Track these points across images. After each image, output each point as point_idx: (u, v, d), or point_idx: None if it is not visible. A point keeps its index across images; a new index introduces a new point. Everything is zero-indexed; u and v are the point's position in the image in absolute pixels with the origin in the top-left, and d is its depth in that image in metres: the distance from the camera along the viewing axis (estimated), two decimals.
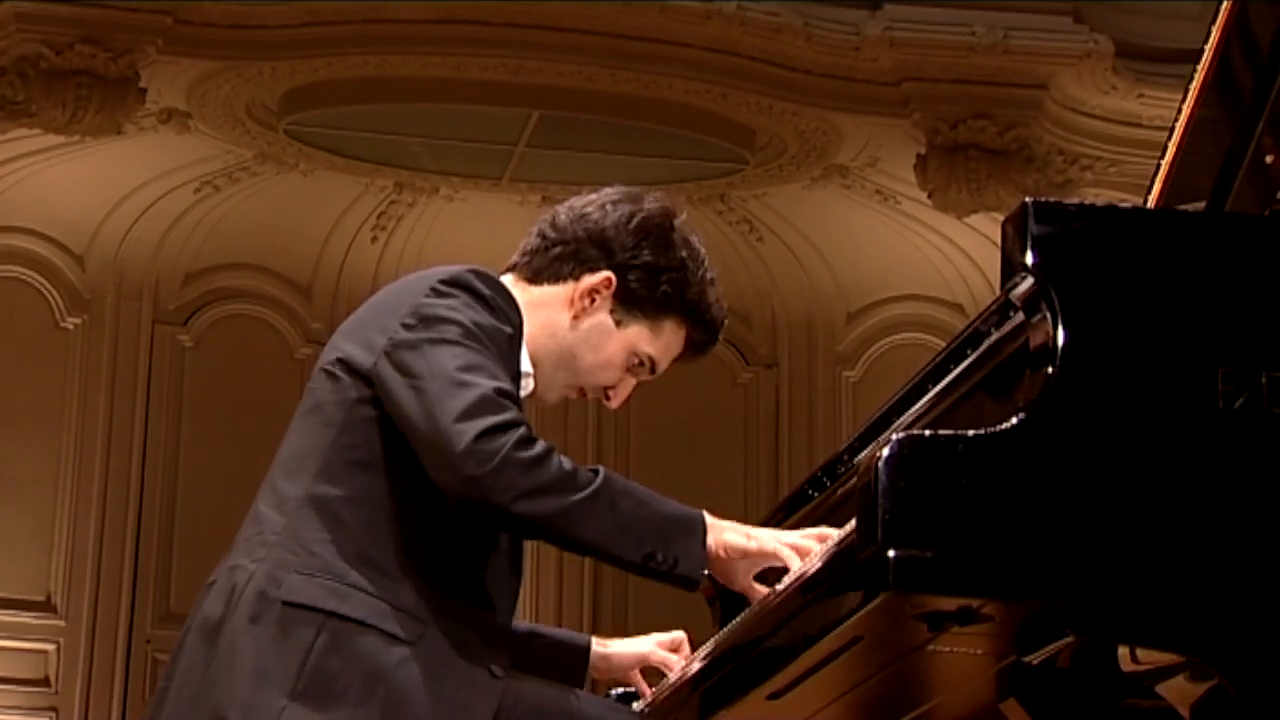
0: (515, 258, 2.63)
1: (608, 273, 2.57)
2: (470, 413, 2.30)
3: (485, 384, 2.34)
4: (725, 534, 2.43)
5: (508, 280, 2.59)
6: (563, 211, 2.62)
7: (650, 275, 2.57)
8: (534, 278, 2.59)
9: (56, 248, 8.95)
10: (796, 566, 2.37)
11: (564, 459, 2.34)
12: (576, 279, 2.57)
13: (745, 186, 8.86)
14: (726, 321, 2.64)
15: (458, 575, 2.40)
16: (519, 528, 2.37)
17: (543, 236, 2.61)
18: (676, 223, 2.60)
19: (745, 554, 2.43)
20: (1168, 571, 2.03)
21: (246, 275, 9.22)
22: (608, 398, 2.62)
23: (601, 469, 2.37)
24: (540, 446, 2.32)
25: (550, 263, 2.58)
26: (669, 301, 2.57)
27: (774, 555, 2.42)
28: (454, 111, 8.36)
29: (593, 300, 2.57)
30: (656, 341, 2.59)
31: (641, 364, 2.60)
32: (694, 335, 2.61)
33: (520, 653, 2.51)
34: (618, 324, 2.57)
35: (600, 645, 2.78)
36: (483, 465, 2.28)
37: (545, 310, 2.57)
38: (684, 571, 2.37)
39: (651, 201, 2.61)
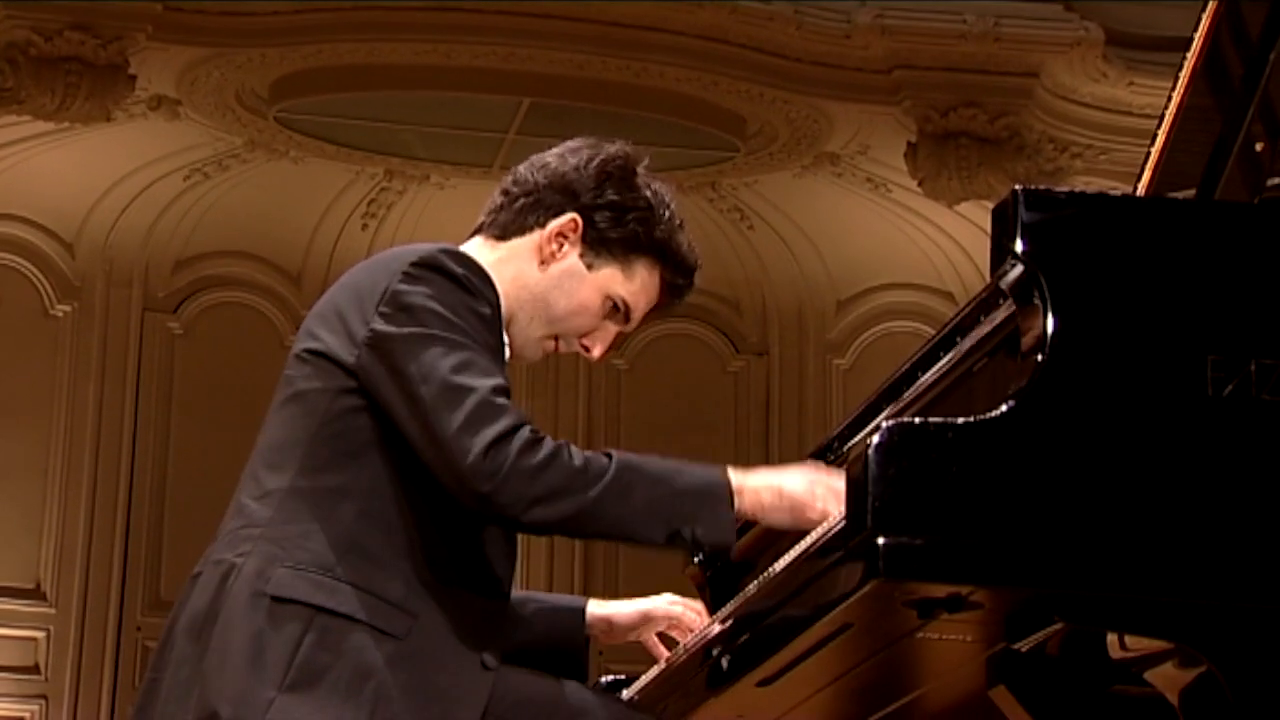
0: (481, 218, 2.60)
1: (573, 214, 2.54)
2: (471, 424, 2.29)
3: (480, 385, 2.31)
4: (762, 495, 2.38)
5: (476, 242, 2.57)
6: (523, 166, 2.60)
7: (616, 214, 2.54)
8: (501, 234, 2.57)
9: (46, 235, 8.93)
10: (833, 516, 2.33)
11: (575, 452, 2.32)
12: (543, 227, 2.54)
13: (736, 174, 8.86)
14: (701, 264, 2.60)
15: (449, 561, 2.39)
16: (537, 532, 2.36)
17: (505, 193, 2.59)
18: (639, 168, 2.58)
19: (780, 512, 2.39)
20: (1157, 558, 2.03)
21: (236, 263, 9.21)
22: (586, 349, 2.58)
23: (614, 454, 2.35)
24: (546, 448, 2.30)
25: (515, 216, 2.56)
26: (638, 240, 2.54)
27: (809, 504, 2.37)
28: (445, 99, 8.34)
29: (561, 245, 2.54)
30: (630, 284, 2.55)
31: (617, 308, 2.56)
32: (667, 276, 2.57)
33: (516, 621, 2.50)
34: (588, 267, 2.54)
35: (599, 607, 2.75)
36: (490, 480, 2.27)
37: (515, 263, 2.54)
38: (712, 541, 2.36)
39: (613, 147, 2.58)
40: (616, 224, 2.53)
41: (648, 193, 2.56)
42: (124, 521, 8.81)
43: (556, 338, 2.57)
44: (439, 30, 7.88)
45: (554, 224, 2.53)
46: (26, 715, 8.54)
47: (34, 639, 8.61)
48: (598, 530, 2.34)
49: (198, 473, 8.64)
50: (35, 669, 8.59)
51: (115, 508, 8.79)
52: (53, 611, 8.64)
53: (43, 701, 8.57)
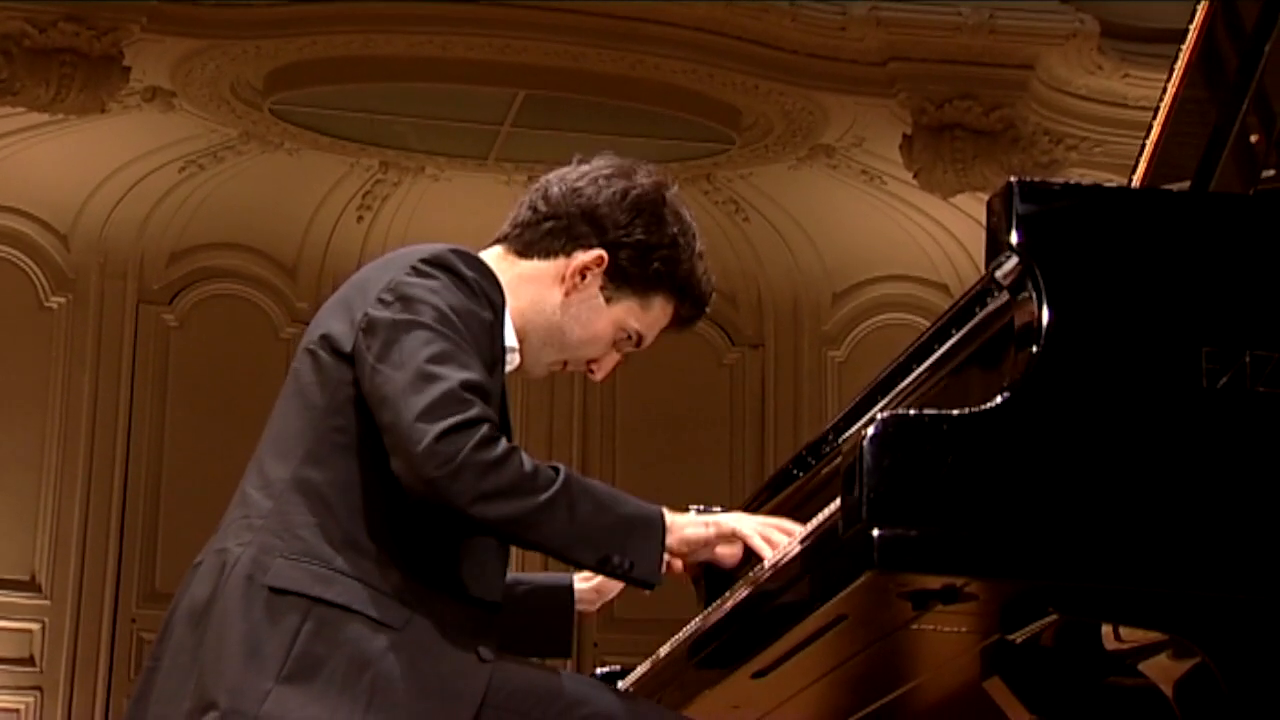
0: (506, 228, 2.61)
1: (600, 250, 2.55)
2: (432, 411, 2.29)
3: (452, 376, 2.31)
4: (685, 530, 2.44)
5: (496, 252, 2.58)
6: (555, 183, 2.60)
7: (642, 253, 2.56)
8: (524, 251, 2.58)
9: (41, 226, 8.92)
10: (758, 545, 2.41)
11: (526, 459, 2.33)
12: (568, 255, 2.56)
13: (731, 166, 8.86)
14: (714, 294, 2.64)
15: (446, 555, 2.39)
16: (476, 529, 2.36)
17: (534, 210, 2.59)
18: (668, 196, 2.60)
19: (707, 542, 2.45)
20: (1151, 550, 2.03)
21: (231, 255, 9.20)
22: (591, 371, 2.62)
23: (563, 469, 2.36)
24: (501, 447, 2.30)
25: (541, 237, 2.57)
26: (660, 279, 2.57)
27: (733, 534, 2.44)
28: (440, 91, 8.34)
29: (584, 277, 2.56)
30: (645, 317, 2.59)
31: (629, 338, 2.61)
32: (683, 311, 2.62)
33: (505, 603, 2.50)
34: (607, 300, 2.57)
35: (585, 579, 2.76)
36: (441, 467, 2.27)
37: (535, 286, 2.56)
38: (640, 575, 2.38)
39: (644, 176, 2.60)
40: (640, 262, 2.56)
41: (674, 229, 2.58)
42: (119, 513, 8.80)
43: (564, 361, 2.61)
44: (434, 22, 7.87)
45: (580, 257, 2.56)
46: (21, 707, 8.54)
47: (29, 631, 8.61)
48: (535, 538, 2.34)
49: (193, 464, 8.64)
50: (30, 661, 8.59)
51: (110, 499, 8.79)
52: (48, 603, 8.64)
53: (38, 693, 8.57)
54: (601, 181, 2.58)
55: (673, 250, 2.57)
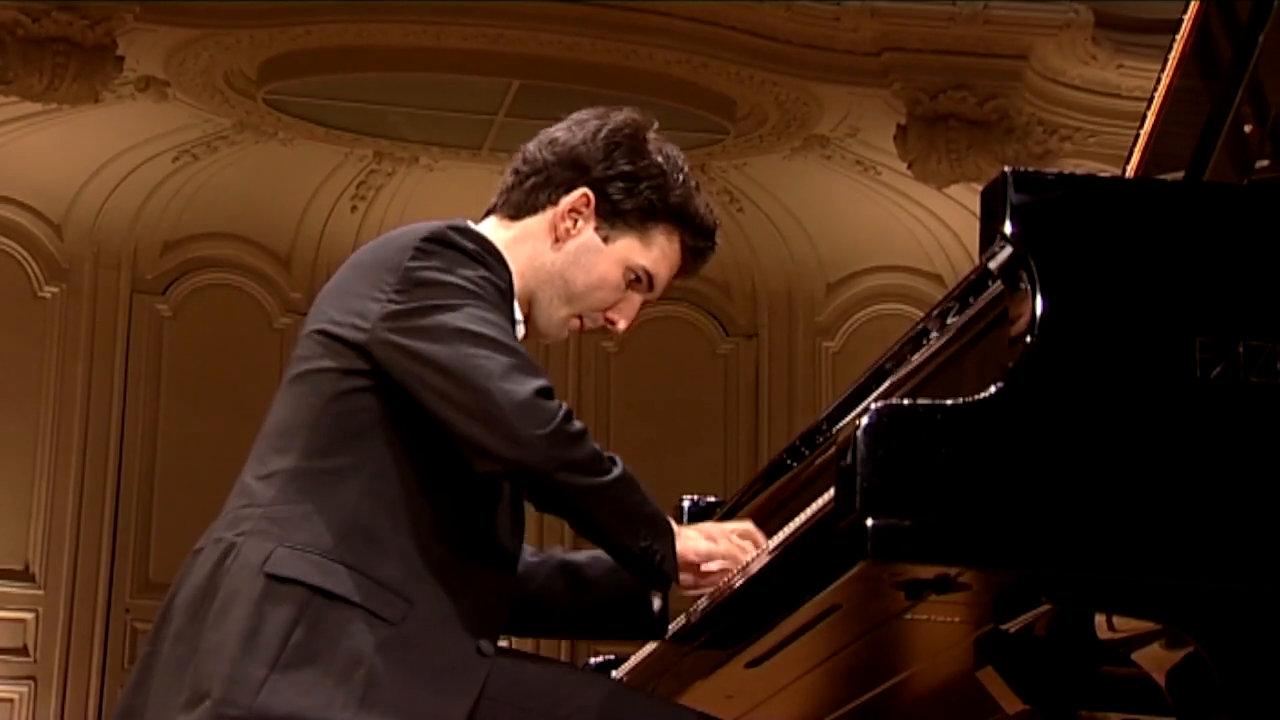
0: (493, 199, 2.57)
1: (584, 189, 2.50)
2: (514, 372, 2.27)
3: (512, 343, 2.32)
4: (690, 541, 2.44)
5: (489, 224, 2.54)
6: (532, 144, 2.57)
7: (629, 183, 2.50)
8: (515, 214, 2.53)
9: (34, 216, 8.91)
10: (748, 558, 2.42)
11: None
12: (555, 204, 2.51)
13: (725, 157, 8.85)
14: (720, 225, 2.58)
15: (459, 537, 2.37)
16: (549, 497, 2.34)
17: (516, 173, 2.55)
18: (649, 134, 2.54)
19: (710, 557, 2.45)
20: (1145, 540, 2.04)
21: (225, 245, 9.20)
22: (610, 322, 2.54)
23: (618, 459, 2.35)
24: (579, 423, 2.31)
25: (527, 195, 2.52)
26: (653, 208, 2.50)
27: (733, 557, 2.44)
28: (434, 81, 8.33)
29: (575, 221, 2.50)
30: (649, 252, 2.52)
31: (639, 279, 2.53)
32: (687, 240, 2.54)
33: (581, 585, 2.52)
34: (605, 240, 2.50)
35: None
36: (541, 425, 2.26)
37: (529, 242, 2.50)
38: (667, 570, 2.39)
39: (620, 114, 2.55)
40: (630, 194, 2.50)
41: (659, 158, 2.52)
42: (113, 503, 8.80)
43: (580, 315, 2.54)
44: (429, 12, 7.87)
45: (566, 201, 2.50)
46: (15, 697, 8.54)
47: (23, 620, 8.61)
48: (595, 517, 2.34)
49: (187, 454, 8.64)
50: (24, 650, 8.59)
51: (104, 489, 8.78)
52: (41, 593, 8.64)
53: (31, 683, 8.57)
54: (575, 126, 2.54)
55: (660, 177, 2.50)
